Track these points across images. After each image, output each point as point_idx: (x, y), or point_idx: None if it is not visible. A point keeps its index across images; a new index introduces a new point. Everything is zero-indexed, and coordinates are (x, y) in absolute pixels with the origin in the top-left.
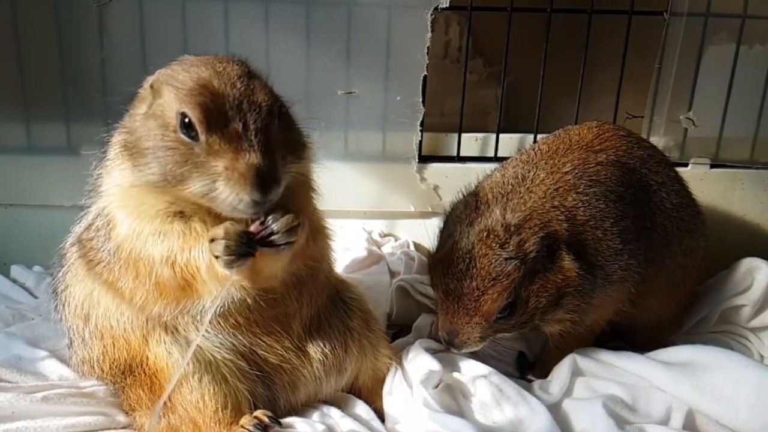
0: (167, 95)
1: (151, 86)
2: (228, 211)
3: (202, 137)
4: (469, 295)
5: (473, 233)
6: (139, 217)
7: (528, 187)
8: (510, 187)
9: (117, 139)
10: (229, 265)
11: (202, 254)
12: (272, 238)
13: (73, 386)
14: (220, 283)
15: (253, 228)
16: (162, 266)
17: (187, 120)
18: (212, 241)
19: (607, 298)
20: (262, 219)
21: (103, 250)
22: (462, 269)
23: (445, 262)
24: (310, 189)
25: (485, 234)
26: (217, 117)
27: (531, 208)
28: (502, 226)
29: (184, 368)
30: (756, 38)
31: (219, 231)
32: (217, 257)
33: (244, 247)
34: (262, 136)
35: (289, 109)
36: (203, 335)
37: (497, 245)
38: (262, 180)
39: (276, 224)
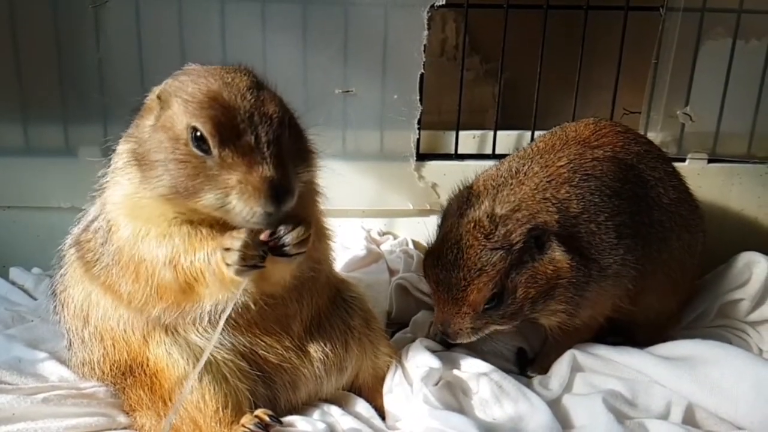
0: (176, 107)
1: (159, 97)
2: (241, 223)
3: (215, 151)
4: (456, 285)
5: (462, 224)
6: (147, 222)
7: (520, 179)
8: (502, 179)
9: (124, 147)
10: (240, 273)
11: (207, 258)
12: (284, 249)
13: (73, 387)
14: (225, 287)
15: (263, 237)
16: (164, 268)
17: (198, 134)
18: (227, 249)
19: (604, 293)
20: (273, 229)
21: (102, 252)
22: (451, 260)
23: (435, 254)
24: (315, 193)
25: (472, 225)
26: (229, 130)
27: (520, 200)
28: (488, 217)
29: (185, 369)
30: (752, 33)
31: (236, 243)
32: (228, 265)
33: (259, 259)
34: (274, 148)
35: (293, 112)
36: (202, 336)
37: (483, 236)
38: (276, 192)
39: (288, 236)
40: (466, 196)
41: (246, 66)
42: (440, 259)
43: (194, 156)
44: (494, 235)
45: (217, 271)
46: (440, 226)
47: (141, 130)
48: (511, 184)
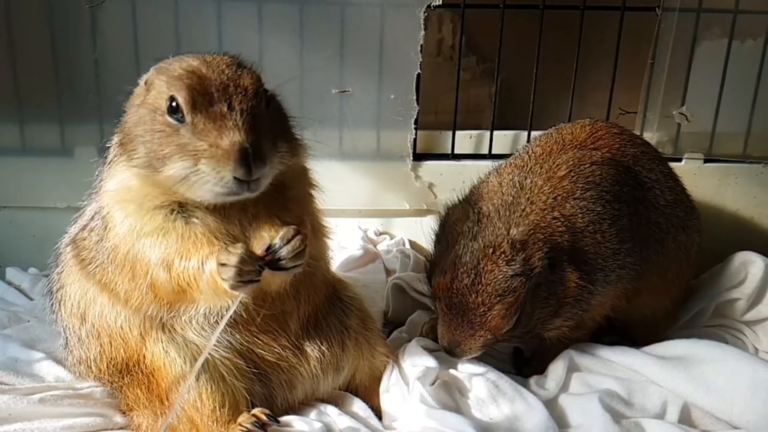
0: (158, 84)
1: (145, 82)
2: (211, 197)
3: (188, 117)
4: (474, 310)
5: (478, 248)
6: (139, 214)
7: (528, 198)
8: (510, 198)
9: (115, 140)
10: (236, 288)
11: (202, 267)
12: (281, 263)
13: (70, 387)
14: (219, 297)
15: (259, 252)
16: (158, 268)
17: (174, 103)
18: (223, 265)
19: (605, 298)
20: (269, 244)
21: (98, 251)
22: (467, 284)
23: (448, 276)
24: (309, 185)
25: (491, 250)
26: (202, 98)
27: (534, 222)
28: (508, 242)
29: (182, 368)
30: (748, 33)
31: (232, 258)
32: (224, 279)
33: (255, 274)
34: (247, 116)
35: (280, 101)
36: (200, 334)
37: (504, 262)
38: (245, 156)
39: (284, 250)
40: (474, 216)
41: (233, 54)
42: (454, 282)
43: (168, 125)
44: (515, 261)
45: (211, 282)
46: (439, 239)
47: (127, 115)
48: (521, 203)
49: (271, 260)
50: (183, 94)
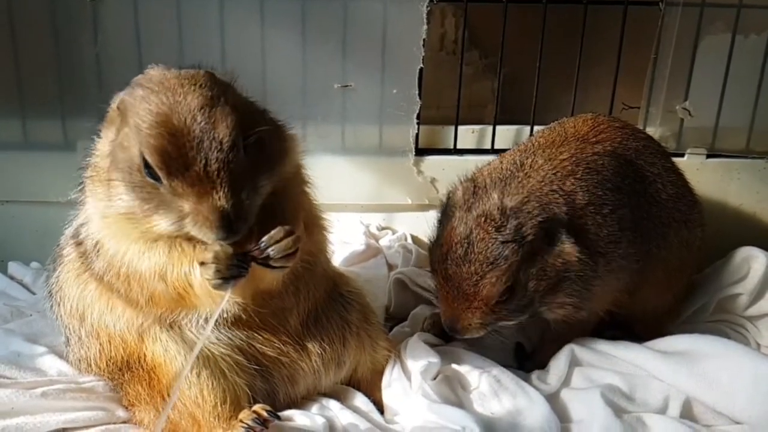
0: (131, 128)
1: (118, 107)
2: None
3: (165, 181)
4: (467, 279)
5: (471, 218)
6: (122, 241)
7: (526, 172)
8: (509, 172)
9: (92, 161)
10: (220, 287)
11: (193, 272)
12: (269, 261)
13: (72, 381)
14: (214, 299)
15: (249, 247)
16: (153, 281)
17: (147, 162)
18: (202, 263)
19: (608, 287)
20: (259, 240)
21: (95, 261)
22: (460, 254)
23: (443, 248)
24: (302, 182)
25: (483, 219)
26: (177, 159)
27: (529, 191)
28: (498, 209)
29: (183, 364)
30: (752, 28)
31: (208, 255)
32: (208, 279)
33: (235, 270)
34: (225, 174)
35: (262, 115)
36: (199, 332)
37: (494, 229)
38: (227, 222)
39: (272, 249)
40: (472, 190)
41: (206, 72)
42: (449, 253)
43: (147, 183)
44: (506, 228)
45: (203, 284)
46: (441, 220)
47: (104, 144)
48: (519, 177)
49: (259, 255)
50: (155, 159)
